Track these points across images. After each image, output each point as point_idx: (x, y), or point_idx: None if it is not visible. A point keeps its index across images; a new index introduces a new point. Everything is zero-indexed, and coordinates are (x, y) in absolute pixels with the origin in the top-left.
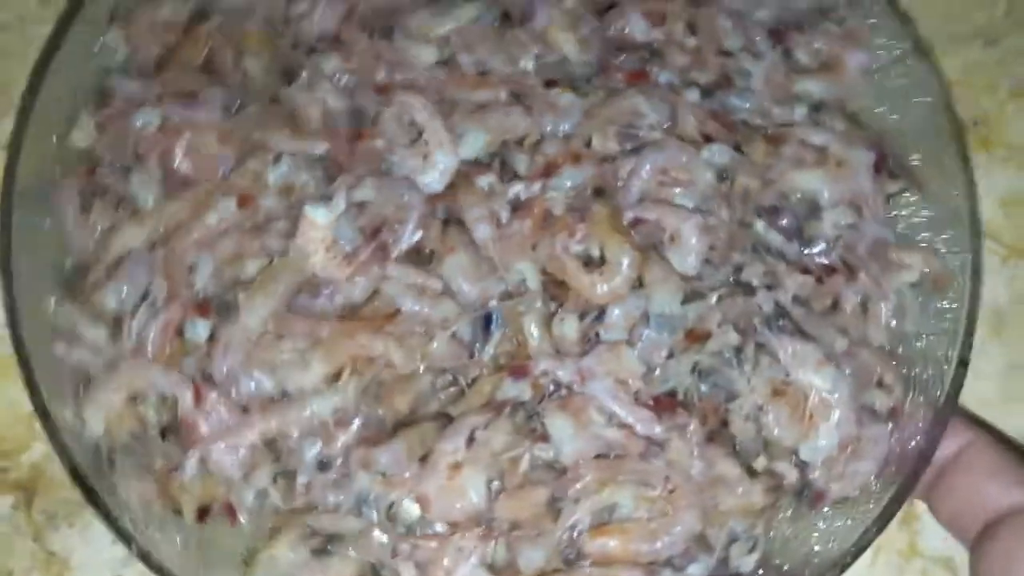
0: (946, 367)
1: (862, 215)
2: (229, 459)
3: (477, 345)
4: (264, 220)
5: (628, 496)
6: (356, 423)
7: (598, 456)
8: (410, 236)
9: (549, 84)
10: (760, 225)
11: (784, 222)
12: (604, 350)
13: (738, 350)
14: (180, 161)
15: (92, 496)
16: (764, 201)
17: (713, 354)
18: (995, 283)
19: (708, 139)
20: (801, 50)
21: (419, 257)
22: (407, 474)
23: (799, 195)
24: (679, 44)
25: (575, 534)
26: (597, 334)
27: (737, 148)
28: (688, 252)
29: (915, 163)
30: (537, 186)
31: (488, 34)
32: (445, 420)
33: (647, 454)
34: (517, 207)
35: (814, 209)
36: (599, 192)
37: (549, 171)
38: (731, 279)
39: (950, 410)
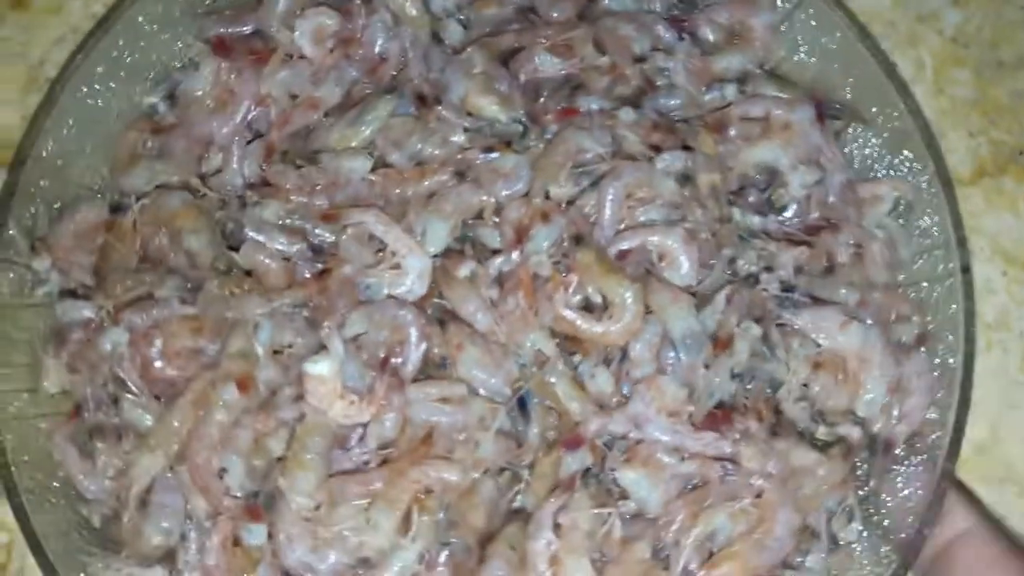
0: (951, 280)
1: (822, 167)
2: None
3: (521, 430)
4: (269, 394)
5: (723, 518)
6: (443, 558)
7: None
8: (417, 352)
9: (487, 151)
10: (737, 212)
11: (752, 199)
12: (644, 389)
13: (765, 339)
14: (161, 367)
15: None
16: (730, 187)
17: (751, 350)
18: None
19: (657, 149)
20: (706, 29)
21: (429, 366)
22: None
23: (760, 170)
24: (594, 67)
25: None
26: (627, 373)
27: (686, 147)
28: (681, 265)
29: (849, 97)
30: (516, 255)
31: (410, 124)
32: (524, 517)
33: (724, 472)
34: (503, 281)
35: (777, 177)
36: (578, 239)
37: (521, 236)
38: (729, 274)
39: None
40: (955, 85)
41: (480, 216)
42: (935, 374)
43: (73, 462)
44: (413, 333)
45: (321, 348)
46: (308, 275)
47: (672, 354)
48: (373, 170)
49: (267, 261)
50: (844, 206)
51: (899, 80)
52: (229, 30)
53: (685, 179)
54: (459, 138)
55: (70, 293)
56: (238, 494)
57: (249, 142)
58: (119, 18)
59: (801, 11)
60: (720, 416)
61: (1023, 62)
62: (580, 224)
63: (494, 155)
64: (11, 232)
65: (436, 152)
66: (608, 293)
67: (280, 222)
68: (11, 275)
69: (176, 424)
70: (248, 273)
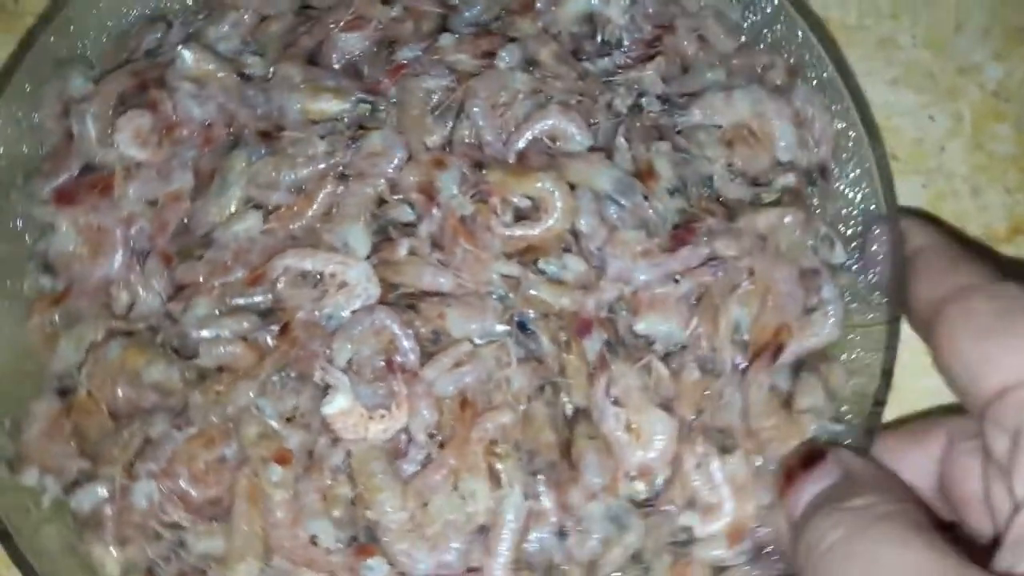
0: (783, 14)
1: None
2: None
3: (534, 348)
4: (306, 452)
5: (736, 308)
6: (541, 484)
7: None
8: (410, 340)
9: (352, 141)
10: (588, 65)
11: (589, 49)
12: (611, 249)
13: (675, 148)
14: (199, 492)
15: None
16: (568, 49)
17: (671, 164)
18: None
19: (490, 55)
20: None
21: (427, 347)
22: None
23: (580, 22)
24: (391, 20)
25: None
26: (589, 247)
27: (511, 39)
28: (573, 135)
29: None
30: (435, 211)
31: (270, 162)
32: (585, 412)
33: (714, 270)
34: (439, 241)
35: (597, 19)
36: (478, 166)
37: (429, 193)
38: (613, 118)
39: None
40: (994, 140)
41: (383, 201)
42: (820, 94)
43: None
44: (395, 326)
45: (326, 389)
46: (271, 339)
47: (613, 208)
48: (265, 220)
49: (229, 349)
50: (664, 7)
51: None
52: (60, 181)
53: (529, 65)
54: (321, 146)
55: (74, 485)
56: (340, 547)
57: (143, 264)
58: None
59: None
60: (682, 232)
61: None
62: (471, 153)
63: (360, 142)
64: None
65: (308, 171)
66: (532, 193)
67: (217, 311)
68: (12, 505)
69: (245, 527)
70: (219, 369)
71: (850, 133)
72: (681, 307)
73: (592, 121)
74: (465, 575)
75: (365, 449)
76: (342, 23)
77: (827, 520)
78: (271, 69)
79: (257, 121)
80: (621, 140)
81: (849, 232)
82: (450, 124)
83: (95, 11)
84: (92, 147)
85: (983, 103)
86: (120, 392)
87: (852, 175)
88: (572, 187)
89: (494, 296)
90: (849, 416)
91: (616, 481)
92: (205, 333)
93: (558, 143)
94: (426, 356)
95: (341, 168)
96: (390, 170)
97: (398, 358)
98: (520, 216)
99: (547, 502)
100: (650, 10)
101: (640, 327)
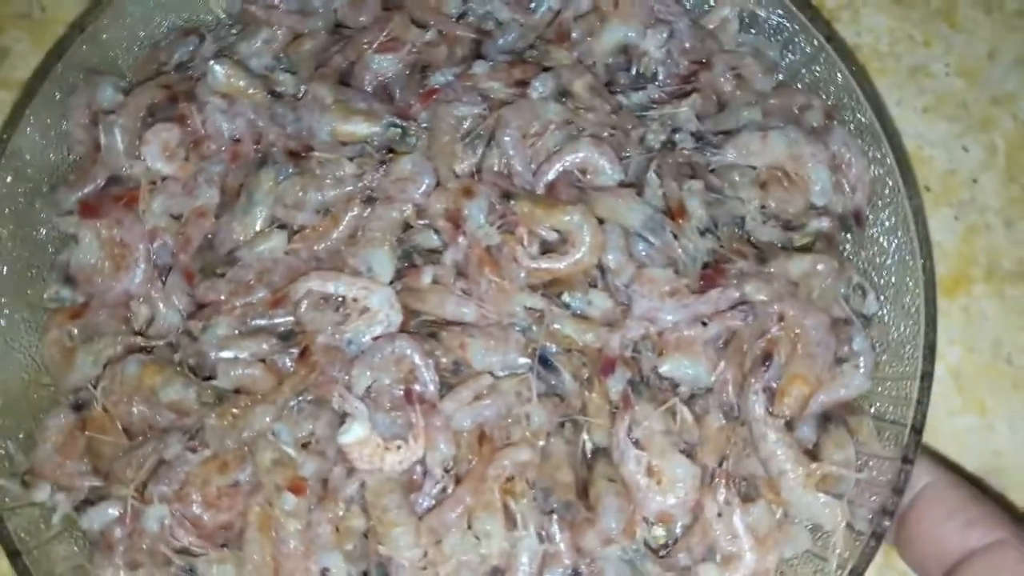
0: (823, 54)
1: (665, 21)
2: None
3: (556, 384)
4: (320, 481)
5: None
6: (556, 525)
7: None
8: (430, 371)
9: (381, 165)
10: (621, 98)
11: (624, 81)
12: (638, 287)
13: (708, 188)
14: (211, 517)
15: None
16: (603, 81)
17: (703, 203)
18: None
19: (523, 84)
20: None
21: (446, 377)
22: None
23: (616, 53)
24: (426, 44)
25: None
26: (615, 284)
27: (545, 69)
28: (604, 168)
29: None
30: (461, 239)
31: (298, 182)
32: (605, 452)
33: (744, 315)
34: (464, 269)
35: (633, 51)
36: (507, 196)
37: (455, 221)
38: (645, 153)
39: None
40: None
41: (409, 226)
42: (857, 139)
43: None
44: (416, 356)
45: (343, 417)
46: (291, 363)
47: (642, 245)
48: (290, 240)
49: (247, 372)
50: (701, 42)
51: None
52: (85, 192)
53: (562, 95)
54: (349, 168)
55: (85, 503)
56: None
57: (164, 280)
58: None
59: None
60: (712, 273)
61: None
62: (500, 183)
63: (389, 166)
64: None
65: (335, 193)
66: (559, 226)
67: (237, 331)
68: (21, 521)
69: (257, 556)
70: (236, 391)
71: (887, 180)
72: (708, 350)
73: (624, 155)
74: None
75: (380, 481)
76: (376, 44)
77: None
78: (302, 88)
79: (286, 140)
80: (652, 176)
81: (882, 282)
82: (480, 152)
83: (128, 19)
84: (119, 159)
85: (1017, 134)
86: (136, 410)
87: (888, 223)
88: (600, 222)
89: (517, 328)
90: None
91: (633, 525)
92: (224, 354)
93: (588, 176)
94: (446, 387)
95: (369, 191)
96: (418, 195)
97: (417, 388)
98: (546, 249)
99: (561, 544)
100: (687, 44)
101: (665, 368)
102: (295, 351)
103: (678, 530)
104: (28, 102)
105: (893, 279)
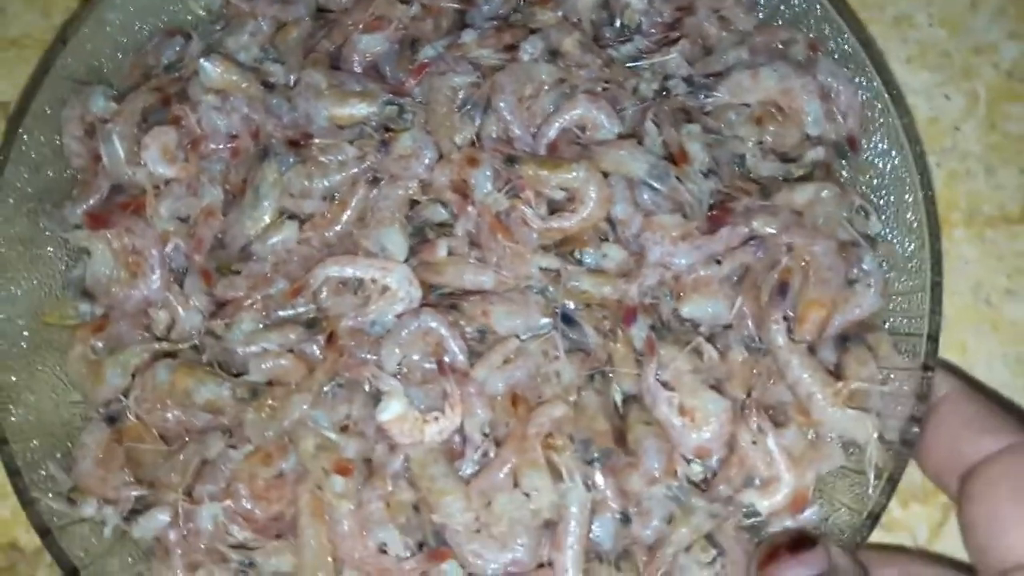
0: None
1: None
2: None
3: (580, 339)
4: (364, 461)
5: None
6: (599, 473)
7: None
8: (458, 340)
9: (382, 145)
10: (609, 53)
11: (609, 35)
12: (649, 235)
13: (706, 129)
14: (262, 510)
15: None
16: (590, 36)
17: (703, 146)
18: None
19: (512, 48)
20: None
21: (473, 345)
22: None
23: (597, 9)
24: (411, 19)
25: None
26: (626, 234)
27: (532, 31)
28: (603, 122)
29: None
30: (470, 208)
31: (301, 170)
32: (637, 399)
33: (755, 249)
34: (476, 238)
35: (614, 4)
36: (510, 160)
37: (462, 191)
38: (640, 102)
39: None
40: (1009, 120)
41: (417, 202)
42: (843, 67)
43: None
44: (442, 328)
45: (377, 396)
46: (319, 350)
47: (647, 193)
48: (301, 229)
49: (278, 362)
50: None
51: None
52: (91, 203)
53: (552, 55)
54: (351, 151)
55: (134, 513)
56: (409, 554)
57: (181, 284)
58: None
59: None
60: (719, 213)
61: None
62: (501, 148)
63: (390, 145)
64: (45, 503)
65: (340, 177)
66: (565, 184)
67: (261, 325)
68: (73, 538)
69: (313, 543)
70: (269, 383)
71: (875, 103)
72: (724, 288)
73: (620, 108)
74: (537, 572)
75: (423, 452)
76: (361, 24)
77: None
78: (292, 77)
79: (284, 130)
80: (650, 124)
81: (881, 202)
82: (478, 120)
83: (108, 28)
84: (121, 167)
85: (998, 83)
86: (170, 415)
87: (880, 146)
88: (605, 175)
89: (535, 290)
90: (899, 385)
91: (673, 463)
92: (252, 348)
93: (587, 132)
94: (473, 355)
95: (373, 172)
96: (421, 170)
97: (447, 359)
98: (555, 208)
99: (607, 490)
100: None
101: (685, 311)
102: (321, 338)
103: (715, 463)
104: (20, 121)
105: (892, 198)
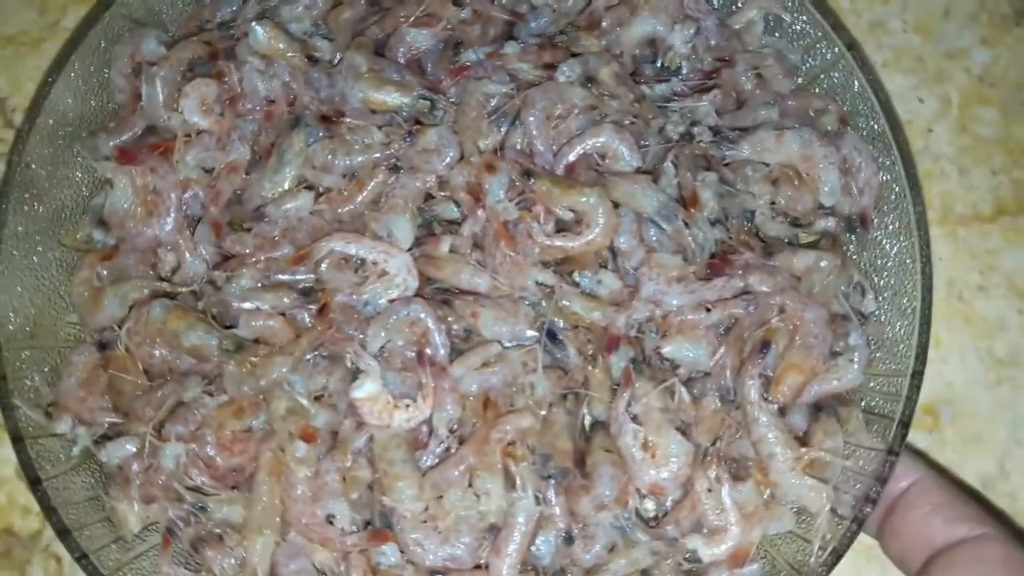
0: (842, 61)
1: (693, 18)
2: None
3: (561, 357)
4: (330, 433)
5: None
6: (552, 490)
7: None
8: (442, 335)
9: (409, 135)
10: (644, 88)
11: (648, 72)
12: (646, 271)
13: (722, 180)
14: (224, 459)
15: None
16: (628, 71)
17: (715, 195)
18: None
19: (551, 67)
20: None
21: (456, 343)
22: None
23: (643, 46)
24: (461, 22)
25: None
26: (625, 266)
27: (574, 54)
28: (623, 154)
29: None
30: (480, 212)
31: (328, 145)
32: (604, 426)
33: (746, 304)
34: (481, 241)
35: (659, 45)
36: (527, 174)
37: (476, 195)
38: (663, 142)
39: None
40: (980, 123)
41: (431, 196)
42: (868, 145)
43: None
44: (430, 320)
45: (356, 373)
46: (309, 319)
47: (653, 231)
48: (316, 200)
49: (268, 323)
50: (726, 41)
51: None
52: (123, 138)
53: (588, 81)
54: (378, 136)
55: (104, 438)
56: (354, 530)
57: (193, 230)
58: (12, 181)
59: None
60: (719, 262)
61: None
62: (521, 161)
63: (416, 137)
64: (23, 410)
65: (362, 159)
66: (575, 206)
67: (259, 284)
68: (44, 451)
69: (266, 500)
70: (256, 341)
71: (894, 186)
72: (709, 335)
73: (643, 144)
74: (472, 572)
75: (388, 436)
76: (412, 18)
77: None
78: (338, 55)
79: (319, 104)
80: (669, 165)
81: (881, 283)
82: (504, 130)
83: None
84: (158, 109)
85: (970, 87)
86: (157, 352)
87: (891, 227)
88: (616, 205)
89: (527, 302)
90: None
91: (625, 495)
92: (246, 305)
93: (607, 161)
94: (455, 353)
95: (395, 160)
96: (441, 167)
97: (429, 351)
98: (561, 228)
99: (556, 507)
100: (712, 42)
101: (667, 350)
102: (314, 308)
103: (668, 504)
104: (74, 49)
105: (892, 280)
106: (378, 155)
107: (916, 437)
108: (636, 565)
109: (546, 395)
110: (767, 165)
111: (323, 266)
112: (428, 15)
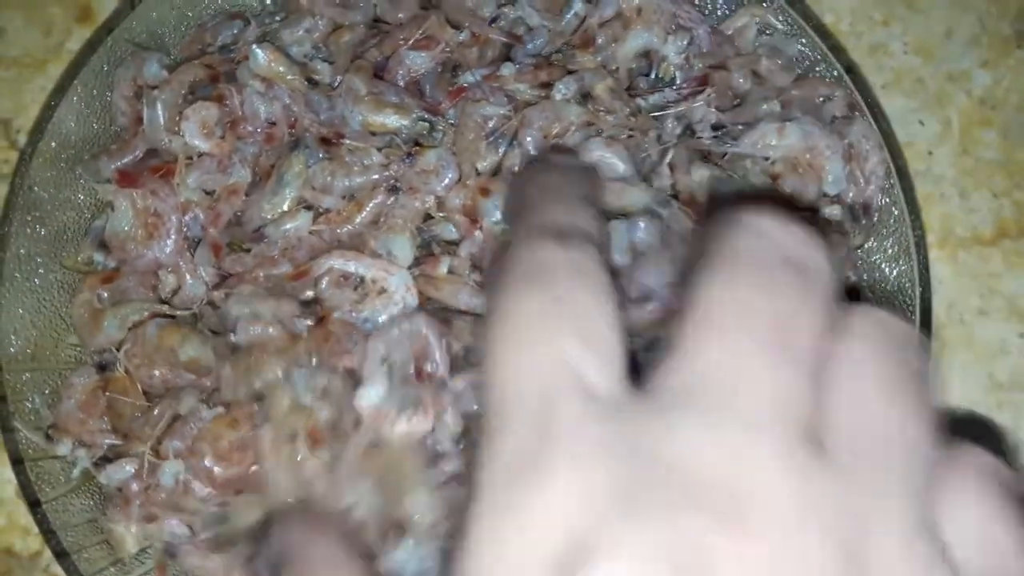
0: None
1: (685, 28)
2: None
3: None
4: (333, 433)
5: None
6: None
7: None
8: (442, 350)
9: (408, 156)
10: (640, 101)
11: (643, 86)
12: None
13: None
14: (222, 470)
15: None
16: (624, 86)
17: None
18: None
19: (547, 86)
20: None
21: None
22: None
23: (637, 60)
24: (459, 45)
25: None
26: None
27: (569, 72)
28: (616, 166)
29: None
30: (477, 233)
31: (327, 167)
32: None
33: None
34: (478, 262)
35: (653, 57)
36: None
37: (472, 216)
38: (663, 148)
39: None
40: (981, 146)
41: (430, 216)
42: (876, 132)
43: None
44: (431, 335)
45: (357, 383)
46: (307, 330)
47: (641, 233)
48: (315, 221)
49: (266, 330)
50: (719, 48)
51: None
52: (124, 161)
53: (584, 98)
54: (377, 158)
55: (104, 460)
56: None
57: (192, 252)
58: (15, 204)
59: None
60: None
61: None
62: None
63: (415, 158)
64: (23, 432)
65: (362, 180)
66: None
67: (254, 303)
68: (44, 473)
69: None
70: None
71: (893, 209)
72: None
73: (643, 155)
74: None
75: (392, 451)
76: (411, 41)
77: None
78: (338, 78)
79: (319, 126)
80: (665, 168)
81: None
82: (502, 150)
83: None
84: (159, 132)
85: (971, 109)
86: (156, 372)
87: (890, 251)
88: (608, 218)
89: None
90: None
91: None
92: (245, 310)
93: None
94: (455, 370)
95: (394, 181)
96: (439, 188)
97: (428, 367)
98: None
99: None
100: (704, 49)
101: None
102: (310, 323)
103: None
104: (77, 72)
105: (891, 304)
106: (377, 176)
107: None
108: None
109: None
110: (767, 159)
111: (322, 284)
112: (427, 38)
